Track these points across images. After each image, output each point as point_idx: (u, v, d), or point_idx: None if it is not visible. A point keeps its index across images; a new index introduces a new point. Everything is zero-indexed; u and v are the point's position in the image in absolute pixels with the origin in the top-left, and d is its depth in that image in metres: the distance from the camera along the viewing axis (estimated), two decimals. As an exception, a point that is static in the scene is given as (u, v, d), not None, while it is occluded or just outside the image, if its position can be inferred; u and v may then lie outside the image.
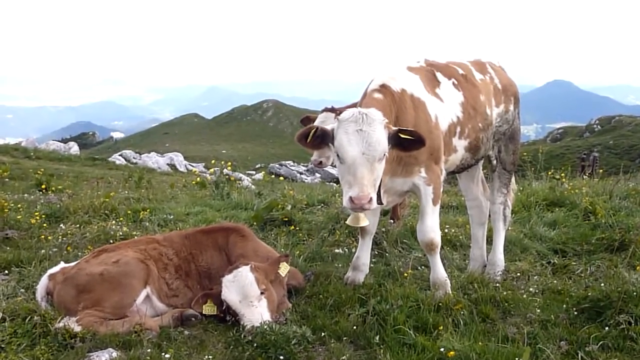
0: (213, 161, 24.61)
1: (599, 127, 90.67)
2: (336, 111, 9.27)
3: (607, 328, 6.06)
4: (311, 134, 6.24)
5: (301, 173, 48.83)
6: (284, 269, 6.79)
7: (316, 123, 9.24)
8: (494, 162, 8.25)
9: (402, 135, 6.07)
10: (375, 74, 7.13)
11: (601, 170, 18.64)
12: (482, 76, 7.86)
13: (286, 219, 10.51)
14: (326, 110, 9.63)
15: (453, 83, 7.40)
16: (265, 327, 5.90)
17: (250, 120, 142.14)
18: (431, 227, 7.06)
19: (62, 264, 6.96)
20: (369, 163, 5.95)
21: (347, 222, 6.76)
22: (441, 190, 7.17)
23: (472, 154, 7.65)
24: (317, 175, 45.82)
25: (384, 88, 6.75)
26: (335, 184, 22.90)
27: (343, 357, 5.67)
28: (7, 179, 19.05)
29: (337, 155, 6.12)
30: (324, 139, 6.26)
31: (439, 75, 7.36)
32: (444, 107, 7.13)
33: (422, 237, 7.12)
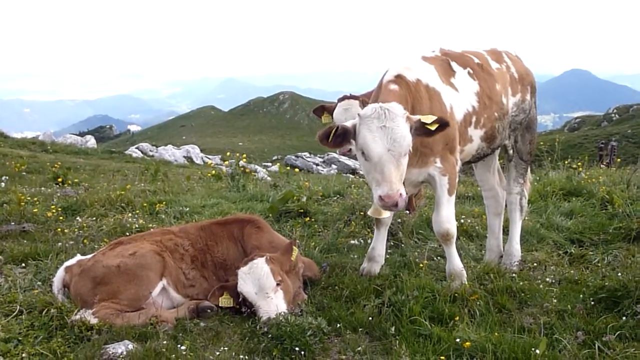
0: (229, 153, 24.63)
1: (617, 116, 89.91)
2: (358, 98, 9.25)
3: (624, 318, 6.02)
4: (332, 133, 6.19)
5: (317, 164, 48.84)
6: (294, 253, 6.80)
7: (338, 111, 9.27)
8: (511, 151, 8.20)
9: (425, 123, 6.04)
10: (390, 64, 7.12)
11: (619, 160, 18.54)
12: (499, 65, 7.81)
13: (302, 211, 10.50)
14: (345, 98, 9.54)
15: (468, 72, 7.36)
16: (281, 318, 5.91)
17: (266, 112, 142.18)
18: (447, 217, 7.04)
19: (79, 257, 6.98)
20: (395, 159, 5.95)
21: (368, 212, 6.81)
22: (457, 180, 7.14)
23: (488, 144, 7.61)
24: (333, 166, 45.82)
25: (399, 78, 6.73)
26: (351, 175, 22.89)
27: (359, 348, 5.66)
28: (24, 173, 19.19)
29: (362, 152, 6.11)
30: (345, 136, 6.23)
31: (454, 64, 7.32)
32: (459, 97, 7.10)
33: (438, 228, 7.10)
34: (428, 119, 6.05)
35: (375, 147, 5.95)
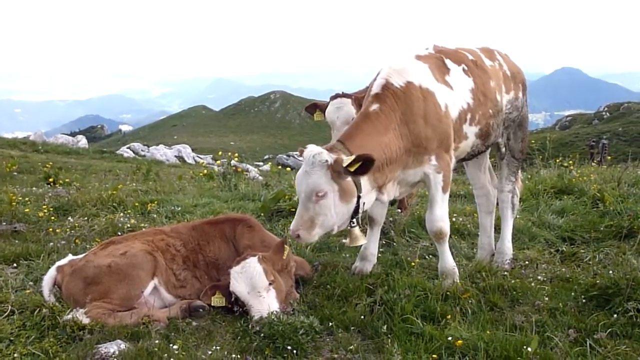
0: (220, 153, 24.62)
1: (607, 114, 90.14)
2: (351, 97, 9.27)
3: (615, 315, 6.05)
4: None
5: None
6: (285, 252, 6.81)
7: (330, 109, 9.35)
8: (503, 149, 8.20)
9: (350, 169, 6.17)
10: (382, 65, 7.14)
11: (610, 158, 18.59)
12: (492, 62, 7.82)
13: (293, 210, 10.42)
14: (338, 96, 9.54)
15: (463, 69, 7.36)
16: (273, 317, 5.91)
17: (257, 112, 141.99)
18: (440, 215, 7.06)
19: (70, 257, 6.97)
20: (305, 202, 6.32)
21: (346, 243, 7.22)
22: (451, 178, 7.16)
23: (483, 141, 7.63)
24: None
25: (385, 90, 6.79)
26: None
27: (351, 347, 5.66)
28: (15, 173, 19.14)
29: None
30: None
31: (448, 62, 7.32)
32: (454, 95, 7.10)
33: (431, 226, 7.10)
34: (348, 161, 6.15)
35: (296, 187, 6.49)
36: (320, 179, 6.19)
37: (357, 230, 6.74)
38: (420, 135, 6.70)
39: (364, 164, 6.14)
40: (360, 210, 6.55)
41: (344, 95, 9.44)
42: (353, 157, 6.14)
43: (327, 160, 6.15)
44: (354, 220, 6.64)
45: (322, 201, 6.24)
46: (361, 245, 7.64)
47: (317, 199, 6.22)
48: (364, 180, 6.45)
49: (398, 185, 7.03)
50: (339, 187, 6.25)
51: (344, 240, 9.08)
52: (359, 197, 6.43)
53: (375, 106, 6.72)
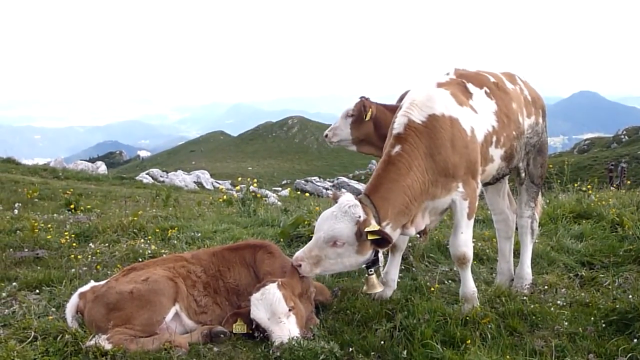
0: (239, 178, 24.69)
1: (626, 137, 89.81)
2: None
3: (635, 340, 6.02)
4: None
5: (327, 189, 48.82)
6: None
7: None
8: (523, 174, 8.21)
9: (370, 237, 6.31)
10: (404, 100, 7.22)
11: (629, 181, 18.50)
12: (513, 86, 7.85)
13: (312, 235, 10.48)
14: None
15: (485, 92, 7.38)
16: (294, 342, 5.94)
17: (275, 137, 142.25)
18: (464, 241, 7.08)
19: (92, 283, 7.03)
20: (321, 241, 6.50)
21: (363, 290, 7.22)
22: (476, 204, 7.19)
23: (507, 163, 7.68)
24: (343, 190, 45.79)
25: (407, 130, 6.84)
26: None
27: (371, 372, 5.69)
28: (36, 199, 19.28)
29: None
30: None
31: (470, 86, 7.34)
32: (479, 119, 7.12)
33: (455, 251, 7.13)
34: (371, 229, 6.29)
35: (319, 223, 6.65)
36: (345, 230, 6.35)
37: (374, 278, 6.86)
38: (447, 163, 6.75)
39: (382, 241, 6.33)
40: (380, 263, 6.68)
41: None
42: (377, 229, 6.29)
43: (359, 217, 6.30)
44: (372, 269, 6.77)
45: (337, 249, 6.43)
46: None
47: (334, 245, 6.41)
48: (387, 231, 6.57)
49: (428, 215, 7.10)
50: (358, 243, 6.40)
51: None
52: (377, 252, 6.61)
53: (397, 148, 6.77)
